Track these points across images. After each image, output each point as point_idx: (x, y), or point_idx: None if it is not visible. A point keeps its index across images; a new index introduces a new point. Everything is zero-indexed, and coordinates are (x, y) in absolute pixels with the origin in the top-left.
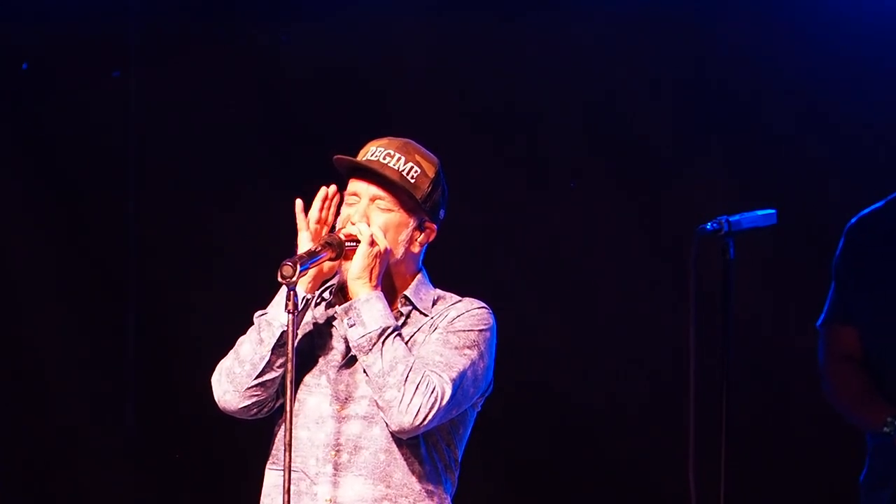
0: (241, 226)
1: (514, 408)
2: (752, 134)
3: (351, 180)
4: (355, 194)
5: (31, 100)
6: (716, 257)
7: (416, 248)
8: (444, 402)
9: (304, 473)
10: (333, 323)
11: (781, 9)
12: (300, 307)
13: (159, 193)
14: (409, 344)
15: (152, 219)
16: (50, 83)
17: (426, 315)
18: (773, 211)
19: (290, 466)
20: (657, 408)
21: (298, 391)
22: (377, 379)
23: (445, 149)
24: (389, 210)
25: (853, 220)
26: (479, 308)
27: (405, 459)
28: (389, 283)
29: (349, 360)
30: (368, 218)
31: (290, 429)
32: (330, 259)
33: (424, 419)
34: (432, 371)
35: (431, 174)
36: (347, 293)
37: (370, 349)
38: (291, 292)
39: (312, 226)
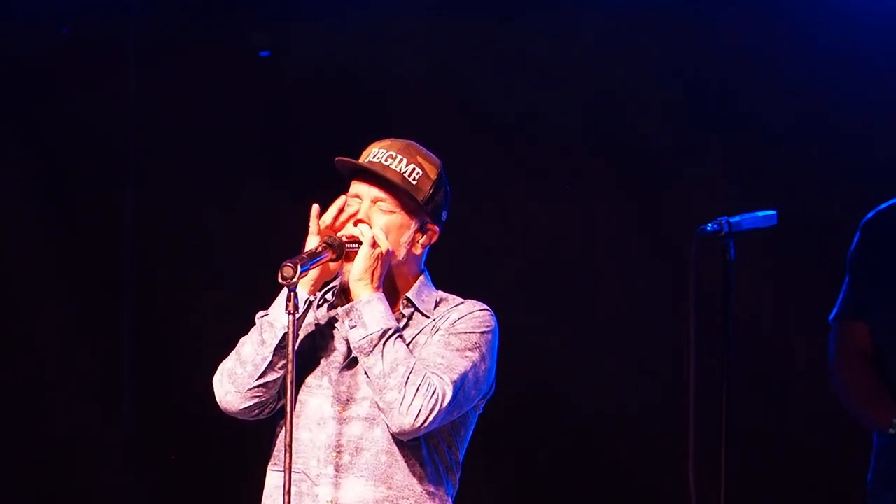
0: (241, 226)
1: (515, 409)
2: (752, 134)
3: (353, 182)
4: (357, 196)
5: (30, 99)
6: (716, 258)
7: (417, 250)
8: (445, 404)
9: (306, 475)
10: (335, 324)
11: (781, 9)
12: (301, 308)
13: (159, 193)
14: (411, 346)
15: (152, 219)
16: (49, 83)
17: (428, 317)
18: (773, 212)
19: (290, 467)
20: (657, 408)
21: (300, 392)
22: (378, 381)
23: (445, 149)
24: (391, 212)
25: (869, 215)
26: (481, 310)
27: (406, 461)
28: (391, 285)
29: (351, 362)
30: (370, 219)
31: (291, 430)
32: (331, 260)
33: (425, 421)
34: (433, 373)
35: (433, 176)
36: (349, 295)
37: (371, 351)
38: (292, 293)
39: (324, 231)
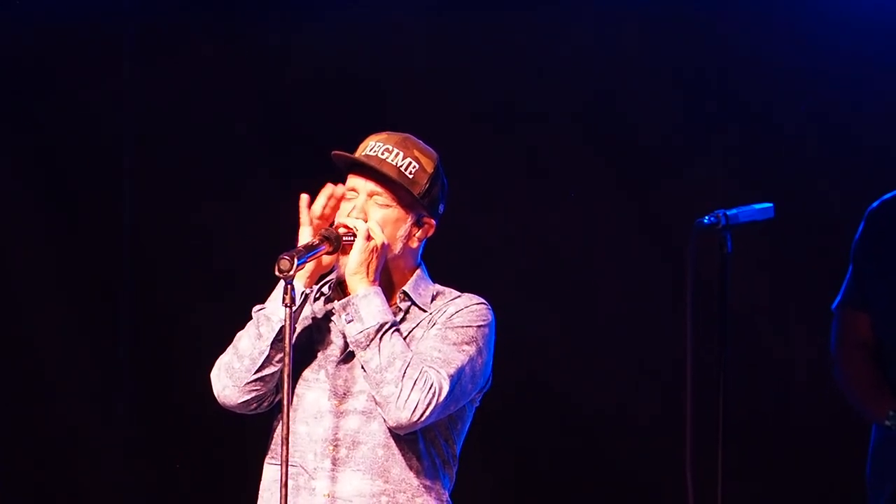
0: (240, 225)
1: (513, 407)
2: (752, 134)
3: (349, 176)
4: (353, 189)
5: (28, 99)
6: (713, 251)
7: (414, 244)
8: (442, 397)
9: (303, 468)
10: (332, 318)
11: (782, 8)
12: (298, 302)
13: (157, 193)
14: (408, 339)
15: (151, 218)
16: (47, 82)
17: (425, 311)
18: (770, 205)
19: (287, 460)
20: (657, 407)
21: (297, 386)
22: (375, 375)
23: (445, 148)
24: (387, 206)
25: (875, 204)
26: (477, 304)
27: (403, 455)
28: (388, 279)
29: (348, 356)
30: (366, 213)
31: (287, 423)
32: (327, 253)
33: (422, 415)
34: (430, 367)
35: (430, 169)
36: (346, 288)
37: (368, 345)
38: (289, 286)
39: (315, 221)
